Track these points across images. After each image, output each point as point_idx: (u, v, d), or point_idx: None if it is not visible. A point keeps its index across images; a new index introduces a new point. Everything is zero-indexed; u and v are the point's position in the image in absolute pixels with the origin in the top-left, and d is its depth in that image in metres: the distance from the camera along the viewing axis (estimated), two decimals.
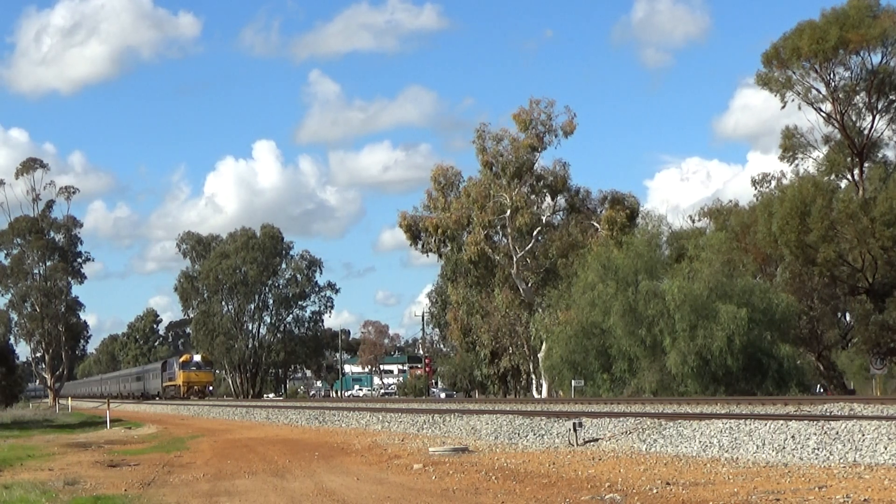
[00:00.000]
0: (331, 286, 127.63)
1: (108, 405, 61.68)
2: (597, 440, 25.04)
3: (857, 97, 63.07)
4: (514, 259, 69.63)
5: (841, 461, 18.33)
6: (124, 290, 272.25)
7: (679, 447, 22.16)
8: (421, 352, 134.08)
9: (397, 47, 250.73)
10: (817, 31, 60.51)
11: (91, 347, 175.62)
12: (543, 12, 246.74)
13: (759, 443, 20.71)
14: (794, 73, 62.55)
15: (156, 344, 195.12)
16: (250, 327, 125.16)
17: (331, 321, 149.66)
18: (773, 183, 69.08)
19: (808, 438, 20.06)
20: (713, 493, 15.66)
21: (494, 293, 72.81)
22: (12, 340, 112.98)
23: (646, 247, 55.77)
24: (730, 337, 48.75)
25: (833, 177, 64.09)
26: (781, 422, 21.75)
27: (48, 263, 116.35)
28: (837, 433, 19.89)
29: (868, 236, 56.23)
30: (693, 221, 75.61)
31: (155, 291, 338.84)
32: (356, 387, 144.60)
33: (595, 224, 69.69)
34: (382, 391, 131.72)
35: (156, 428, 49.41)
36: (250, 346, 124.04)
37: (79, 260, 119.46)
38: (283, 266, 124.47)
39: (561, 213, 73.16)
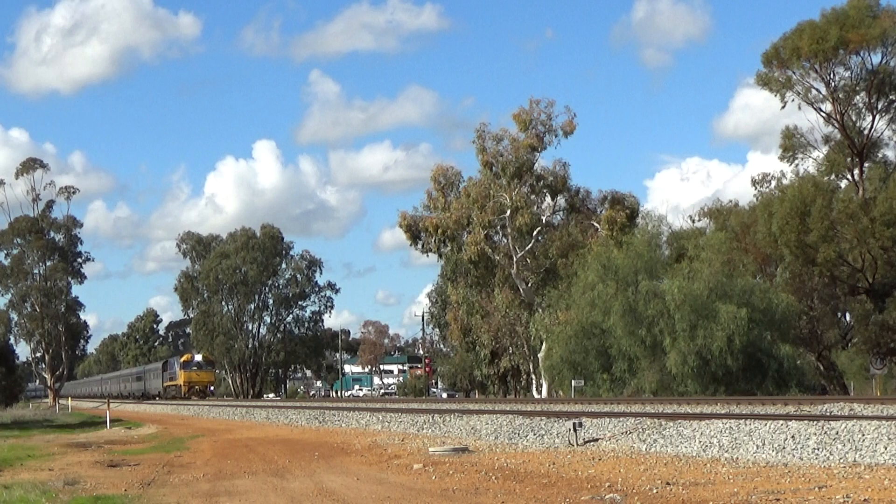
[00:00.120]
0: (331, 286, 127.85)
1: (108, 405, 61.67)
2: (597, 440, 25.04)
3: (857, 97, 63.09)
4: (514, 259, 69.64)
5: (841, 461, 18.34)
6: (124, 290, 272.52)
7: (679, 447, 22.16)
8: (421, 352, 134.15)
9: (398, 47, 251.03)
10: (817, 31, 60.52)
11: (91, 347, 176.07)
12: (543, 12, 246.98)
13: (759, 443, 20.71)
14: (794, 73, 62.57)
15: (156, 344, 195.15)
16: (250, 327, 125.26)
17: (331, 321, 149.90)
18: (773, 183, 69.06)
19: (808, 438, 20.06)
20: (713, 493, 15.66)
21: (494, 293, 72.79)
22: (12, 340, 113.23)
23: (646, 247, 55.77)
24: (730, 337, 48.76)
25: (833, 177, 64.10)
26: (781, 422, 21.76)
27: (48, 263, 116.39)
28: (837, 433, 19.89)
29: (868, 236, 56.25)
30: (693, 221, 75.64)
31: (155, 291, 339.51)
32: (356, 387, 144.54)
33: (595, 224, 69.68)
34: (382, 391, 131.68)
35: (156, 428, 49.40)
36: (250, 346, 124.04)
37: (79, 260, 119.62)
38: (283, 266, 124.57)
39: (561, 213, 73.20)
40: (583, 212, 72.07)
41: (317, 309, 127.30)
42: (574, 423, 25.46)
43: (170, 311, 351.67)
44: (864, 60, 61.95)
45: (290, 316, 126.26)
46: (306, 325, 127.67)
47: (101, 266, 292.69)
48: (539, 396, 67.75)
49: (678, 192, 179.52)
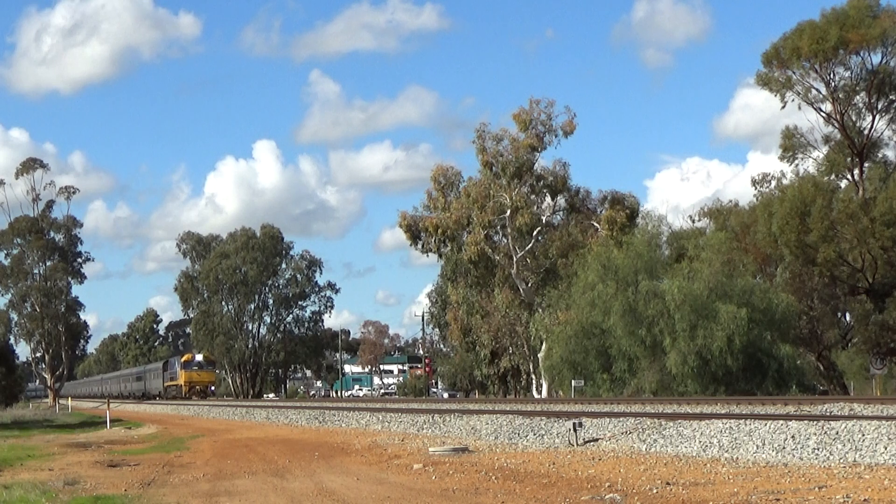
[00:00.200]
0: (331, 286, 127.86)
1: (108, 405, 61.67)
2: (597, 440, 25.04)
3: (857, 97, 63.13)
4: (514, 259, 69.63)
5: (841, 461, 18.33)
6: (124, 290, 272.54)
7: (679, 447, 22.16)
8: (421, 352, 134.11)
9: (398, 47, 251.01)
10: (817, 31, 60.54)
11: (91, 347, 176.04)
12: (543, 12, 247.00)
13: (759, 443, 20.71)
14: (794, 73, 62.60)
15: (156, 344, 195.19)
16: (250, 327, 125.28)
17: (331, 321, 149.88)
18: (773, 183, 69.10)
19: (808, 438, 20.06)
20: (713, 493, 15.66)
21: (494, 293, 72.78)
22: (12, 340, 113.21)
23: (646, 247, 55.76)
24: (730, 337, 48.75)
25: (833, 177, 64.12)
26: (781, 422, 21.76)
27: (48, 263, 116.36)
28: (837, 433, 19.89)
29: (868, 236, 56.26)
30: (693, 221, 75.68)
31: (155, 291, 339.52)
32: (356, 387, 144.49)
33: (595, 224, 69.67)
34: (382, 391, 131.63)
35: (156, 428, 49.41)
36: (250, 346, 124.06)
37: (79, 260, 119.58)
38: (283, 266, 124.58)
39: (561, 213, 73.18)
40: (583, 212, 72.06)
41: (317, 309, 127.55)
42: (574, 423, 25.45)
43: (170, 311, 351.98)
44: (864, 60, 62.05)
45: (290, 316, 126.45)
46: (306, 325, 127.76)
47: (101, 266, 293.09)
48: (539, 396, 67.73)
49: (678, 192, 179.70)
